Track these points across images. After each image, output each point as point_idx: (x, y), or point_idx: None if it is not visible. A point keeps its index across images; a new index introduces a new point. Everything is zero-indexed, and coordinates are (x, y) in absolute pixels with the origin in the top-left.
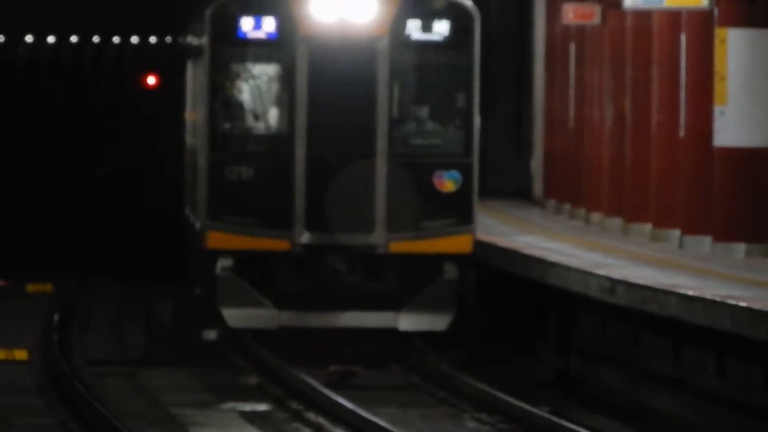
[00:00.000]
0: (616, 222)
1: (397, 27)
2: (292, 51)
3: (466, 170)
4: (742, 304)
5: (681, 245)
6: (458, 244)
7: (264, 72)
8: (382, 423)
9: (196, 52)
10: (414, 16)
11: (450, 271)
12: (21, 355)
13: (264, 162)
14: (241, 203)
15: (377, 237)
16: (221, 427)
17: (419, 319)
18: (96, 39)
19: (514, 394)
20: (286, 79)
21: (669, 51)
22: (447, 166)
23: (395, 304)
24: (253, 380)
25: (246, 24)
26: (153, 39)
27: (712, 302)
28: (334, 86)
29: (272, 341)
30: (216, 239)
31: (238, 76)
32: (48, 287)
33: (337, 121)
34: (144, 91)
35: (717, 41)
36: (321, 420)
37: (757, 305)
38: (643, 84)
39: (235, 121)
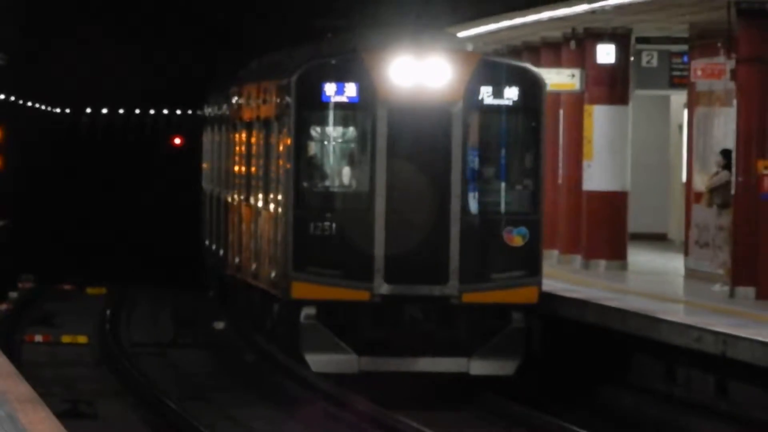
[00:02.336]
0: None
1: (470, 92)
2: (373, 114)
3: (533, 226)
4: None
5: (558, 262)
6: (526, 294)
7: (345, 133)
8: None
9: (257, 116)
10: (486, 82)
11: (518, 319)
12: (82, 339)
13: (346, 218)
14: (324, 256)
15: (451, 288)
16: (231, 390)
17: (489, 365)
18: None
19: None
20: (367, 140)
21: (552, 121)
22: (516, 223)
23: (467, 351)
24: (250, 357)
25: (329, 89)
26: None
27: (582, 302)
28: (411, 147)
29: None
30: (300, 289)
31: (321, 137)
32: (103, 290)
33: (414, 180)
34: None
35: (585, 114)
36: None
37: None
38: None
39: (317, 179)
